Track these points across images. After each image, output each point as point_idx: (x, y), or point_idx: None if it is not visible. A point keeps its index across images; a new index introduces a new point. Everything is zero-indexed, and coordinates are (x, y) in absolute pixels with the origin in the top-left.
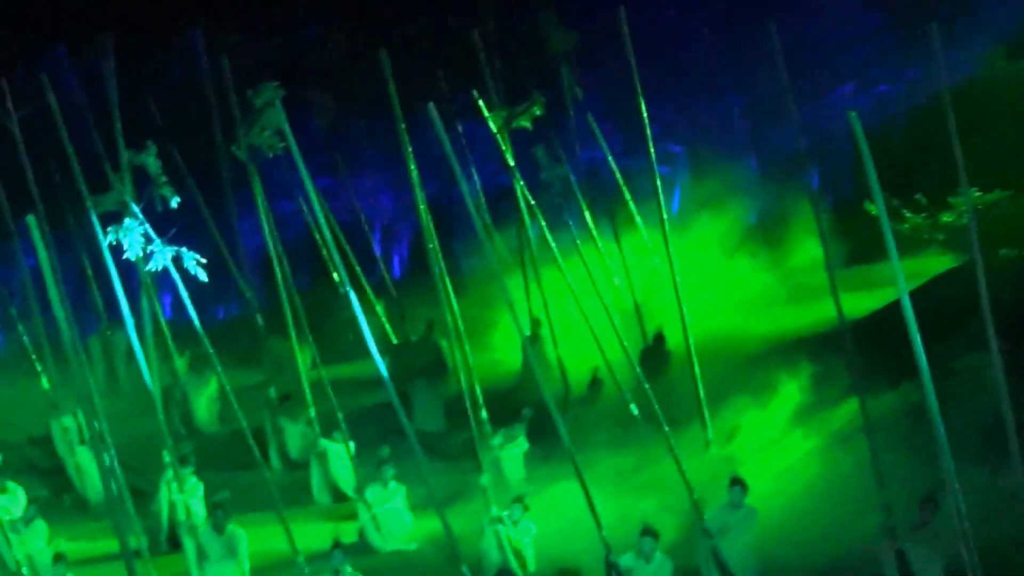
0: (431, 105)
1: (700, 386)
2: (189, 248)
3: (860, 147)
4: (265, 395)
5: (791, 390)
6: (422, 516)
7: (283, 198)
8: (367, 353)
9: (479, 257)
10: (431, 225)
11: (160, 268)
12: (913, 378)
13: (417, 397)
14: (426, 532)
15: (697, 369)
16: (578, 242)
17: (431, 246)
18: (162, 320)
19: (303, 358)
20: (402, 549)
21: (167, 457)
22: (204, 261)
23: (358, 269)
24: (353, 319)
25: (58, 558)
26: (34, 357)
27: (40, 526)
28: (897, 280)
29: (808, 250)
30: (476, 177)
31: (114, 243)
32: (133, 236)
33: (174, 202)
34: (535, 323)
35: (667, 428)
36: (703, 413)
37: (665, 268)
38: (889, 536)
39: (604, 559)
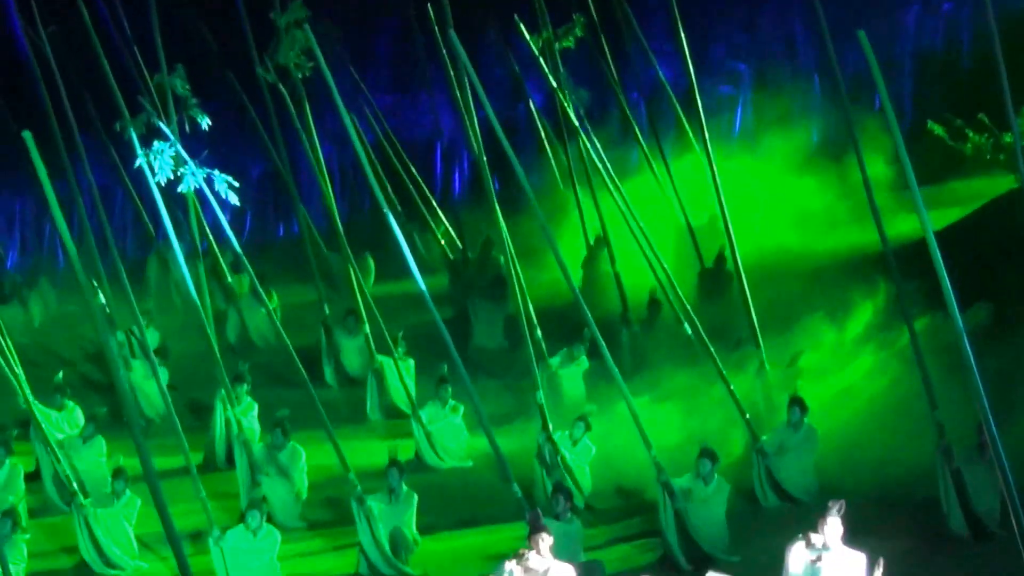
0: (451, 32)
1: (752, 307)
2: (247, 168)
3: (871, 66)
4: (321, 313)
5: (855, 310)
6: (479, 434)
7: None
8: (427, 270)
9: (539, 175)
10: (479, 140)
11: (192, 189)
12: (980, 300)
13: (477, 314)
14: (483, 450)
15: (748, 291)
16: (638, 162)
17: (483, 159)
18: (209, 238)
19: (361, 275)
20: (458, 467)
21: (222, 374)
22: (236, 185)
23: (411, 188)
24: (401, 237)
25: (118, 473)
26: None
27: (99, 444)
28: (953, 204)
29: (872, 170)
30: (534, 98)
31: (144, 165)
32: (163, 158)
33: (204, 123)
34: (596, 242)
35: (715, 348)
36: (756, 334)
37: (727, 188)
38: (944, 456)
39: (657, 480)
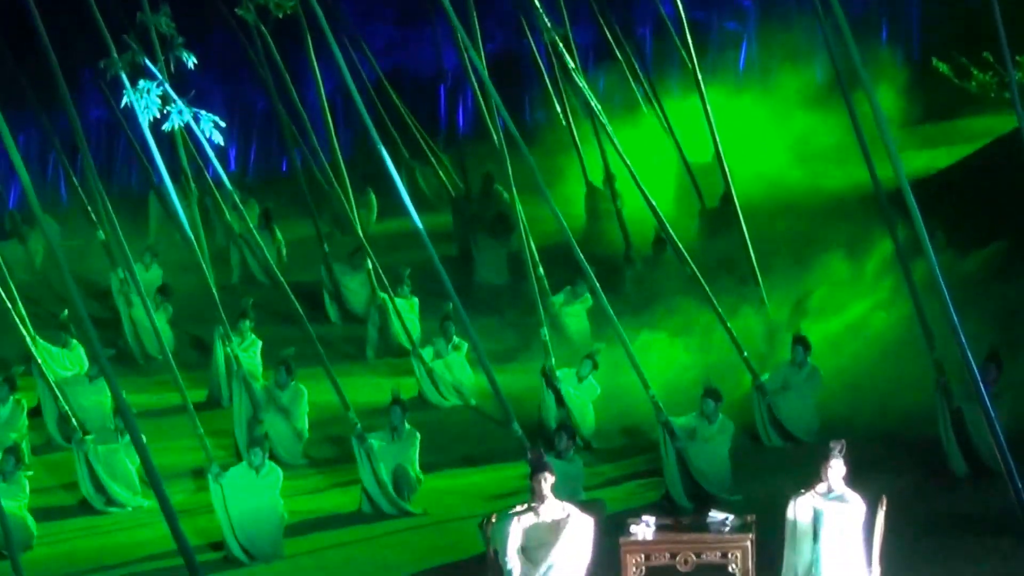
0: None
1: (751, 246)
2: (254, 102)
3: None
4: (322, 249)
5: (860, 247)
6: (482, 372)
7: (354, 51)
8: (430, 207)
9: (545, 111)
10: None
11: (179, 127)
12: (987, 239)
13: (479, 251)
14: (487, 388)
15: (747, 230)
16: (644, 100)
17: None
18: (208, 176)
19: (364, 211)
20: (461, 405)
21: (220, 312)
22: (223, 124)
23: (412, 123)
24: (395, 174)
25: (120, 411)
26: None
27: (103, 384)
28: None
29: (883, 105)
30: (535, 35)
31: (129, 104)
32: (150, 98)
33: (190, 62)
34: (606, 179)
35: (719, 287)
36: (755, 273)
37: (734, 124)
38: (943, 395)
39: (656, 420)
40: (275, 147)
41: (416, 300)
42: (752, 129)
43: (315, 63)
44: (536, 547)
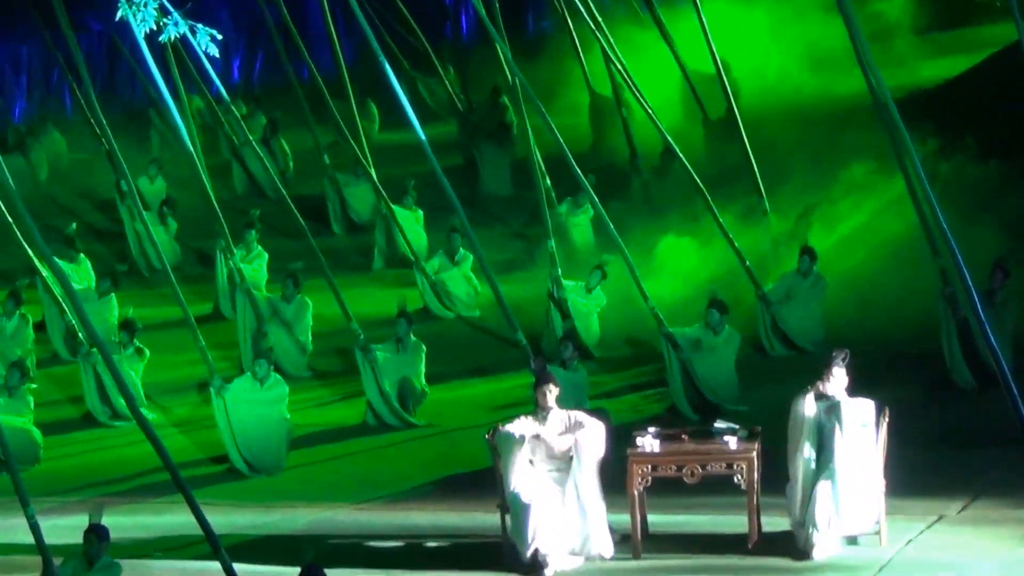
0: None
1: (752, 156)
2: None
3: None
4: (322, 161)
5: (866, 155)
6: (487, 283)
7: None
8: (434, 117)
9: (549, 20)
10: None
11: (174, 38)
12: (993, 147)
13: (484, 161)
14: (492, 299)
15: (747, 139)
16: (648, 8)
17: None
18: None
19: (366, 122)
20: (466, 316)
21: (221, 225)
22: (220, 37)
23: (417, 32)
24: (396, 83)
25: (126, 324)
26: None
27: (113, 301)
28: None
29: (891, 12)
30: None
31: (125, 17)
32: (146, 11)
33: None
34: (613, 88)
35: (726, 197)
36: (758, 183)
37: (743, 31)
38: (947, 304)
39: (659, 332)
40: (280, 58)
41: (421, 212)
42: (760, 37)
43: None
44: (544, 459)
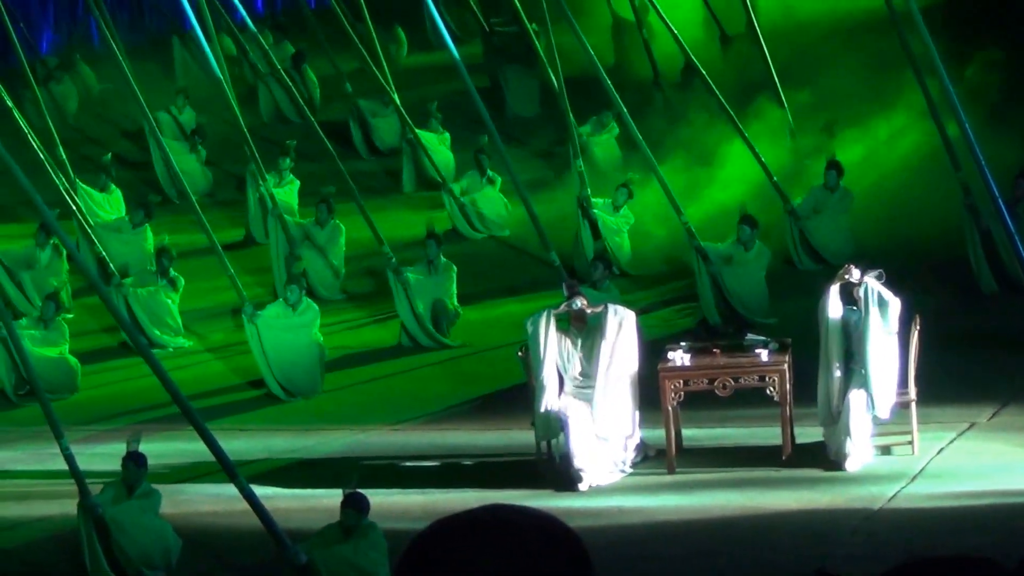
0: None
1: (774, 71)
2: None
3: None
4: (344, 86)
5: (890, 67)
6: (515, 203)
7: None
8: (457, 41)
9: None
10: None
11: None
12: (1018, 53)
13: (510, 82)
14: (520, 219)
15: (769, 55)
16: None
17: None
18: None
19: (393, 46)
20: (496, 236)
21: (252, 151)
22: None
23: None
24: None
25: (161, 252)
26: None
27: (147, 232)
28: None
29: None
30: None
31: None
32: None
33: None
34: (634, 8)
35: (747, 112)
36: (781, 97)
37: None
38: (971, 215)
39: (690, 245)
40: None
41: (448, 135)
42: None
43: None
44: (573, 376)
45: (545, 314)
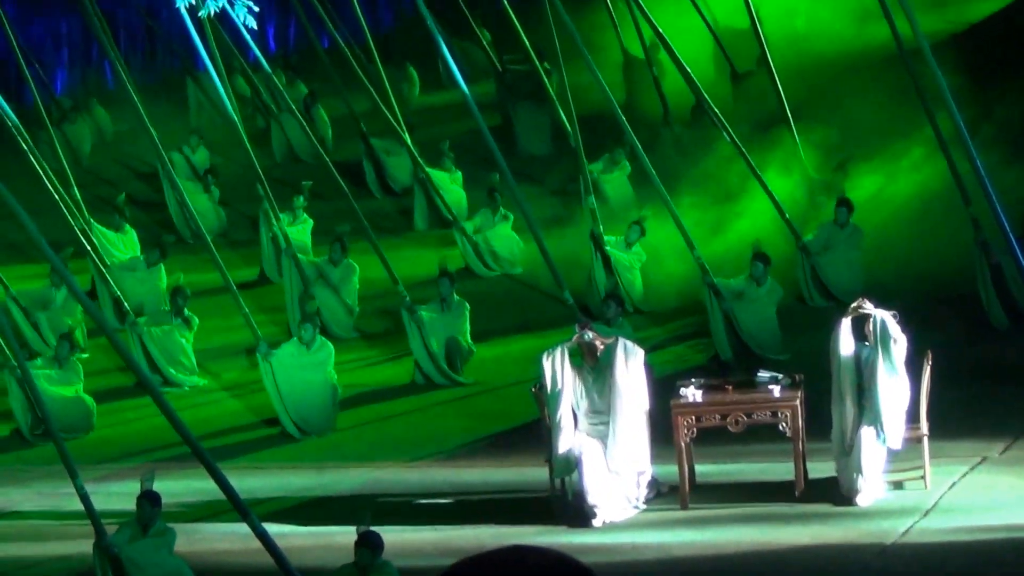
0: None
1: (787, 107)
2: None
3: None
4: (359, 126)
5: (898, 100)
6: (527, 239)
7: None
8: (470, 78)
9: None
10: None
11: (213, 14)
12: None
13: (521, 122)
14: (532, 256)
15: (782, 90)
16: None
17: None
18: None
19: (407, 85)
20: (508, 274)
21: (266, 190)
22: (256, 9)
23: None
24: (443, 44)
25: (176, 291)
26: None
27: (162, 271)
28: None
29: None
30: None
31: None
32: None
33: None
34: (645, 48)
35: (759, 149)
36: (793, 134)
37: None
38: (982, 250)
39: (703, 281)
40: (316, 25)
41: (460, 173)
42: None
43: None
44: (587, 413)
45: (559, 350)
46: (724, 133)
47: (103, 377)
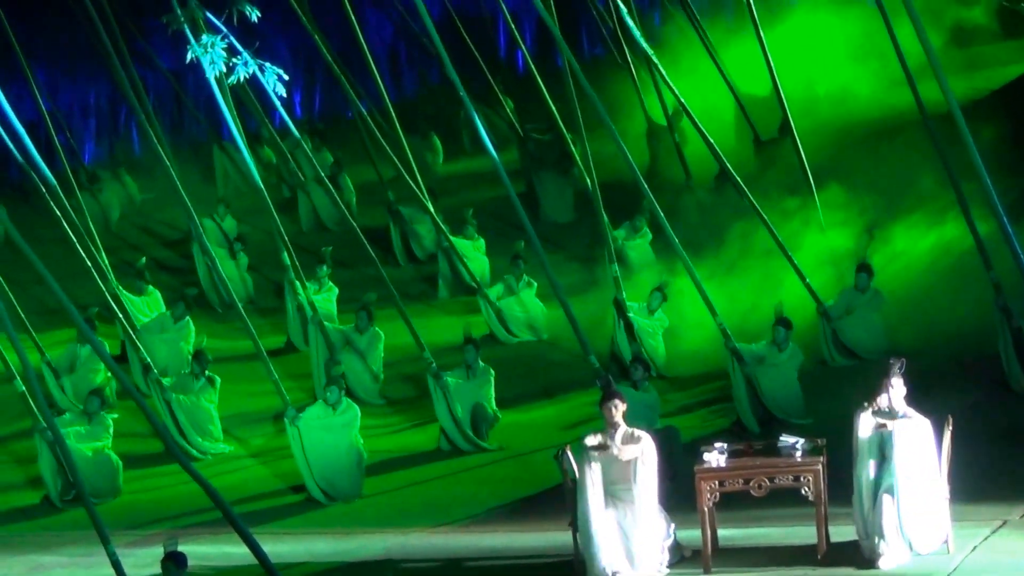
0: None
1: (810, 173)
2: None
3: None
4: (386, 195)
5: (922, 165)
6: (551, 306)
7: None
8: (493, 146)
9: (601, 47)
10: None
11: (242, 80)
12: None
13: (545, 189)
14: (556, 322)
15: (804, 152)
16: (701, 36)
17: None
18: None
19: (430, 154)
20: (532, 340)
21: (293, 259)
22: (286, 77)
23: (480, 63)
24: (473, 112)
25: (199, 355)
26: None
27: (190, 326)
28: None
29: (973, 15)
30: None
31: (194, 59)
32: (215, 51)
33: (254, 16)
34: (668, 115)
35: (782, 215)
36: (814, 196)
37: (786, 53)
38: (1003, 314)
39: (725, 346)
40: (340, 93)
41: (482, 241)
42: (808, 55)
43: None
44: (612, 480)
45: (585, 455)
46: (745, 199)
47: (134, 440)
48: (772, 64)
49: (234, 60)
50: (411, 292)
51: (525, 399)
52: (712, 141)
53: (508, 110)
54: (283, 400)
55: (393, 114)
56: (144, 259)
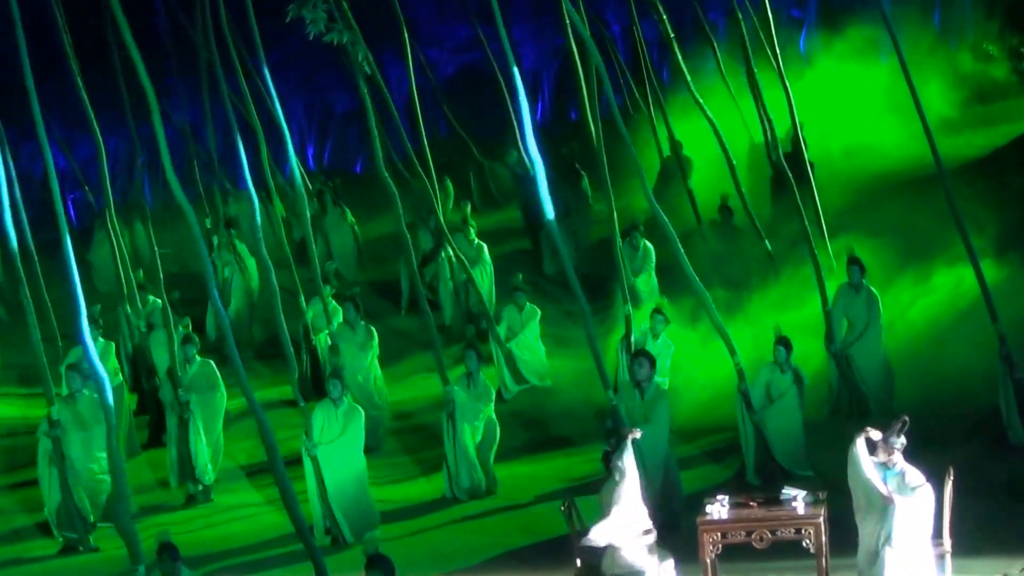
0: None
1: (822, 218)
2: (333, 104)
3: None
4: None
5: (933, 215)
6: (556, 356)
7: (431, 46)
8: (497, 204)
9: (619, 96)
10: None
11: (337, 43)
12: None
13: (548, 242)
14: (557, 371)
15: (818, 195)
16: (715, 79)
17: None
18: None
19: (442, 195)
20: (540, 387)
21: (302, 306)
22: (371, 58)
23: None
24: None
25: (187, 339)
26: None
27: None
28: None
29: (995, 71)
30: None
31: (295, 17)
32: (316, 12)
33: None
34: (669, 160)
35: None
36: (826, 243)
37: (839, 90)
38: (1006, 366)
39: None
40: (351, 146)
41: (490, 266)
42: (816, 103)
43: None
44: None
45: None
46: (756, 242)
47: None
48: (794, 109)
49: (332, 24)
50: (416, 340)
51: (531, 449)
52: (743, 191)
53: (514, 163)
54: (304, 441)
55: (415, 160)
56: (98, 307)
